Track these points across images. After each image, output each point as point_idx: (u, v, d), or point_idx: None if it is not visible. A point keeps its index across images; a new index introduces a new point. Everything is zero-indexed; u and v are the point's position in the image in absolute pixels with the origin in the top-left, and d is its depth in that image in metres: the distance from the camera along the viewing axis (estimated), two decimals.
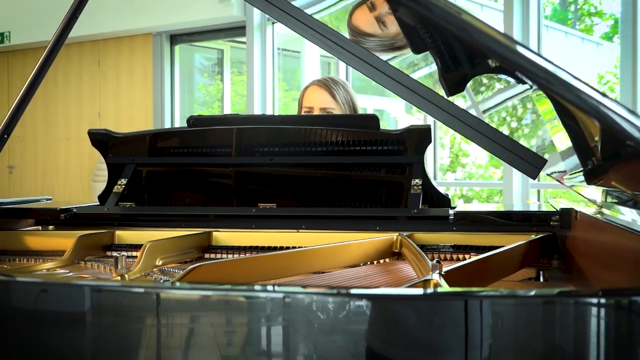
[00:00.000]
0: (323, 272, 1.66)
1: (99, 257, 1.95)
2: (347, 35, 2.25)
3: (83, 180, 8.39)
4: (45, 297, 1.10)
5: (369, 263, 1.77)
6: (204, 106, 8.60)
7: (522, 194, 5.53)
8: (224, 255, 1.92)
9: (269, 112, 7.13)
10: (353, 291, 1.00)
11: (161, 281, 1.57)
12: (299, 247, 1.72)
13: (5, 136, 2.13)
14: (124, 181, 2.20)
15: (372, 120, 2.07)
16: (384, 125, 3.84)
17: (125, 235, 2.06)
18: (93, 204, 2.26)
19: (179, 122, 8.00)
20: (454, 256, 1.83)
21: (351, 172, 2.08)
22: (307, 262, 1.62)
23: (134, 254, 1.92)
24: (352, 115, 2.73)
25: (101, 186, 2.25)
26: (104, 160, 2.26)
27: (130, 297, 1.07)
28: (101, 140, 2.25)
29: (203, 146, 2.20)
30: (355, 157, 2.06)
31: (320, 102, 2.86)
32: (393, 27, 2.01)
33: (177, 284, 1.20)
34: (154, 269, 1.70)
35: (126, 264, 1.61)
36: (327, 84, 2.87)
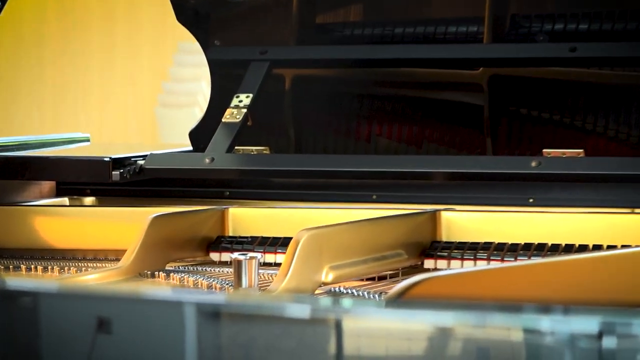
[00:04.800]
0: None
1: (195, 263, 2.03)
2: None
3: (139, 103, 8.65)
4: (114, 323, 1.20)
5: None
6: None
7: None
8: (466, 263, 1.96)
9: None
10: None
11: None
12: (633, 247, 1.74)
13: None
14: (245, 99, 2.24)
15: None
16: None
17: (250, 217, 2.12)
18: (177, 150, 2.35)
19: None
20: None
21: None
22: None
23: (274, 257, 1.99)
24: None
25: (176, 116, 2.32)
26: (204, 54, 2.30)
27: (281, 326, 1.14)
28: (195, 10, 2.31)
29: (416, 21, 2.22)
30: None
31: None
32: None
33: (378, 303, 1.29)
34: (318, 289, 1.76)
35: (258, 276, 1.66)
36: None
